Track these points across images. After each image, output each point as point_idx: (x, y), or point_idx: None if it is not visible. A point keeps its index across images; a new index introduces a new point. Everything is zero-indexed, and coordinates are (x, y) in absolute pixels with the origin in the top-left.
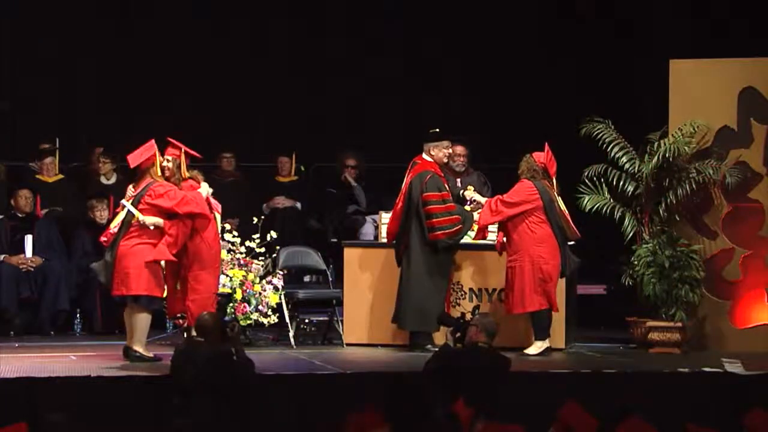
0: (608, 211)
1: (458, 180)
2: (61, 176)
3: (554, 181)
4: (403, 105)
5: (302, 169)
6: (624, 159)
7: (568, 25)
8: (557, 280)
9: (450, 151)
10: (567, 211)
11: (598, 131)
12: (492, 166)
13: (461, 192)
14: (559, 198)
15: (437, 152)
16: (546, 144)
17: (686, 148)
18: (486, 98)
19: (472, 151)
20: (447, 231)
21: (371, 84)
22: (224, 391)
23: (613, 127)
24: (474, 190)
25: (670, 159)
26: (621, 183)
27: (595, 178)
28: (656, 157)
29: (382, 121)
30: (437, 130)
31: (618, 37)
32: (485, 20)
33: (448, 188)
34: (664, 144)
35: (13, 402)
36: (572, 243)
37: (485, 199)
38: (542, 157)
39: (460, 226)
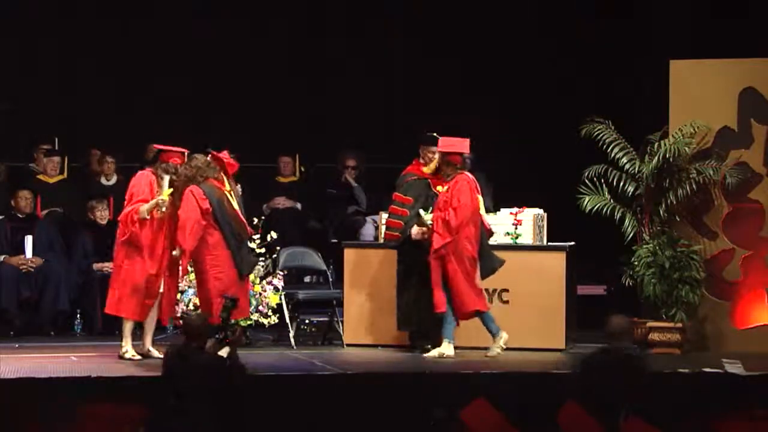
0: (608, 211)
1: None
2: (62, 177)
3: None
4: (403, 105)
5: (302, 169)
6: (624, 159)
7: (568, 24)
8: (236, 288)
9: (433, 155)
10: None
11: (598, 131)
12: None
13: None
14: (232, 195)
15: (422, 155)
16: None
17: (686, 148)
18: (486, 98)
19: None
20: (388, 232)
21: (371, 83)
22: (217, 395)
23: (613, 127)
24: None
25: (671, 159)
26: (621, 183)
27: (595, 179)
28: (656, 158)
29: (382, 121)
30: (434, 134)
31: (618, 36)
32: (485, 20)
33: (423, 194)
34: (664, 144)
35: (13, 402)
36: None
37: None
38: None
39: (398, 234)
